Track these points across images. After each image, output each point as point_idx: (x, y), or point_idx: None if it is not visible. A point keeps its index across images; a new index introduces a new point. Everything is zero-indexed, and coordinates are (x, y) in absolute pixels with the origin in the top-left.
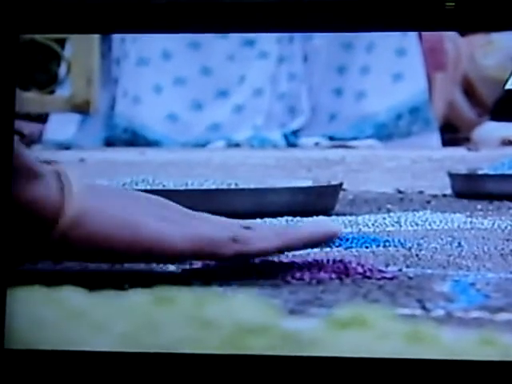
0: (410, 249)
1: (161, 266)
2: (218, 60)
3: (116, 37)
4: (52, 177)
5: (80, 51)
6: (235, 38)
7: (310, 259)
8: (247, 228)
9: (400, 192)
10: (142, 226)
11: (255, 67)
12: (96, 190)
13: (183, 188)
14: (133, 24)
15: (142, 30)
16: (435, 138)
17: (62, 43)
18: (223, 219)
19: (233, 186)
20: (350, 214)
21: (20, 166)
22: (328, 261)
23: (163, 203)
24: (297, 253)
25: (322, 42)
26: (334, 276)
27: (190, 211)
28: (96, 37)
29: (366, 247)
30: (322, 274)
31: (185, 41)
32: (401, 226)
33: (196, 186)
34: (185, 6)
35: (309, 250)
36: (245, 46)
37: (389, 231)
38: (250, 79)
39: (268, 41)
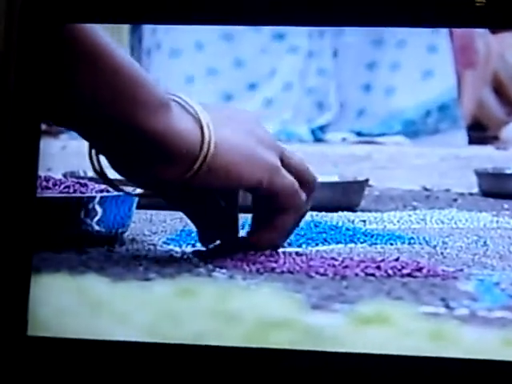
0: (434, 247)
1: (184, 257)
2: (250, 53)
3: (147, 28)
4: (179, 107)
5: None
6: (266, 31)
7: (334, 254)
8: None
9: (426, 189)
10: (262, 159)
11: (285, 61)
12: (220, 115)
13: None
14: (165, 15)
15: (174, 21)
16: (462, 136)
17: None
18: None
19: None
20: (376, 211)
21: (147, 97)
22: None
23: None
24: (321, 248)
25: (352, 37)
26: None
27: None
28: (125, 27)
29: (391, 244)
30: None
31: (217, 32)
32: (426, 223)
33: None
34: None
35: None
36: (276, 39)
37: (414, 229)
38: (280, 73)
39: (299, 35)
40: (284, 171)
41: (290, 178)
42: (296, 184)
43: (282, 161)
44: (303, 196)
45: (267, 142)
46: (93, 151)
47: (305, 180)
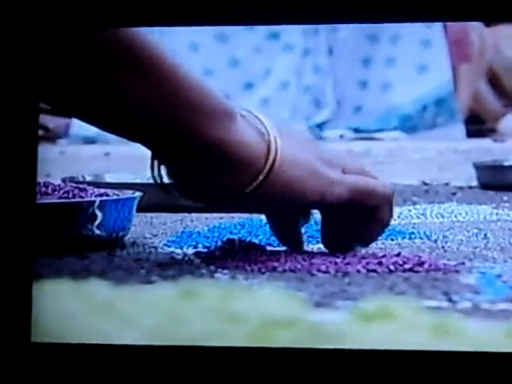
0: (435, 241)
1: (186, 259)
2: (245, 52)
3: (141, 31)
4: (246, 120)
5: None
6: (261, 30)
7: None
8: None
9: (425, 184)
10: (322, 174)
11: (281, 60)
12: (283, 132)
13: None
14: (158, 17)
15: (167, 23)
16: (460, 129)
17: None
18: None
19: None
20: None
21: (212, 106)
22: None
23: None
24: (322, 245)
25: (346, 34)
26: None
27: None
28: None
29: (392, 239)
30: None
31: (212, 33)
32: (426, 218)
33: None
34: None
35: None
36: (270, 38)
37: (414, 223)
38: (276, 72)
39: (293, 33)
40: (348, 180)
41: (359, 181)
42: (369, 183)
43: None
44: (383, 191)
45: (326, 158)
46: (155, 162)
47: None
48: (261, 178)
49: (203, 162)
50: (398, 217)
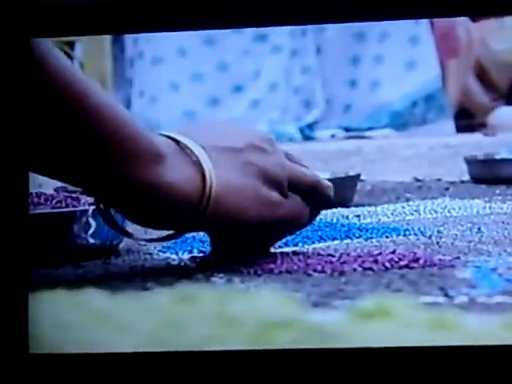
0: (430, 237)
1: (182, 264)
2: (233, 55)
3: (128, 37)
4: (176, 152)
5: (92, 53)
6: (248, 32)
7: (331, 251)
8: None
9: (418, 180)
10: (262, 196)
11: (269, 62)
12: (221, 156)
13: None
14: (145, 23)
15: (154, 29)
16: (450, 124)
17: (71, 45)
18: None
19: None
20: (369, 205)
21: (137, 149)
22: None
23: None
24: (318, 245)
25: (334, 33)
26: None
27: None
28: (107, 38)
29: (386, 237)
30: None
31: (200, 37)
32: (420, 214)
33: None
34: (195, 2)
35: (329, 243)
36: (258, 40)
37: (408, 220)
38: (265, 74)
39: (280, 35)
40: (287, 202)
41: (293, 204)
42: (300, 206)
43: (290, 182)
44: (306, 212)
45: (269, 177)
46: (101, 204)
47: (319, 193)
48: (199, 212)
49: (137, 205)
50: (392, 214)
